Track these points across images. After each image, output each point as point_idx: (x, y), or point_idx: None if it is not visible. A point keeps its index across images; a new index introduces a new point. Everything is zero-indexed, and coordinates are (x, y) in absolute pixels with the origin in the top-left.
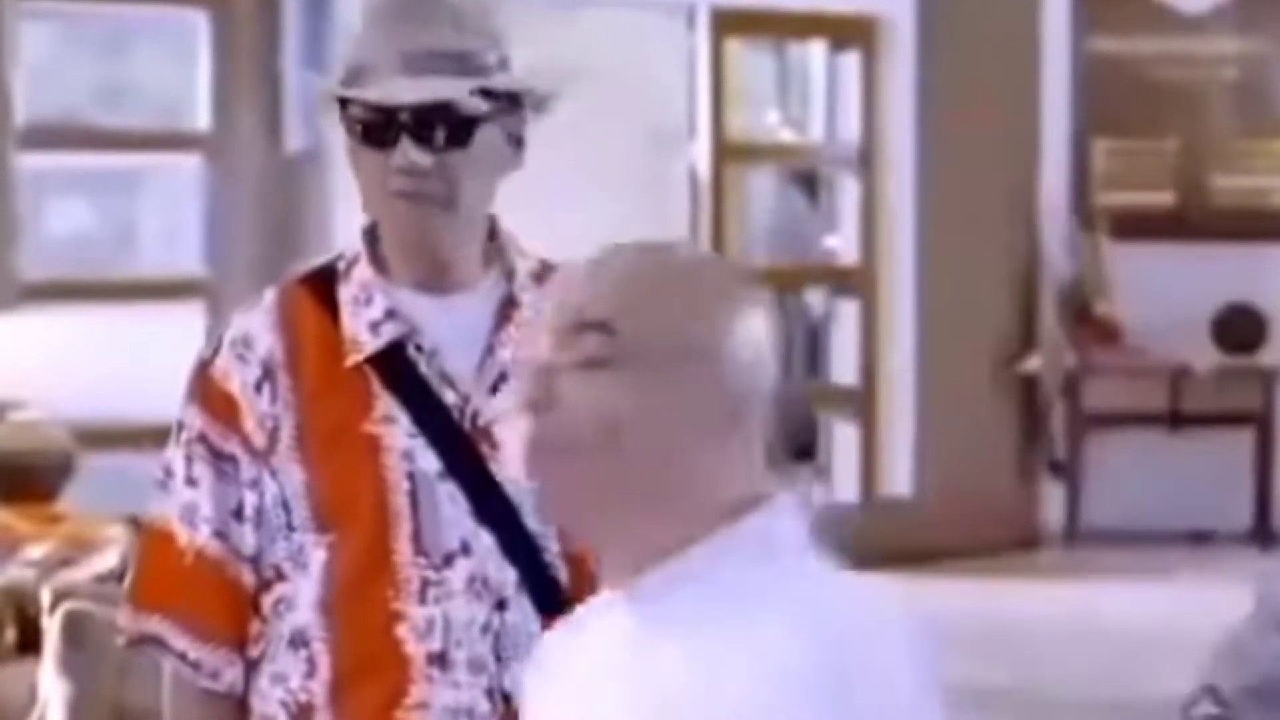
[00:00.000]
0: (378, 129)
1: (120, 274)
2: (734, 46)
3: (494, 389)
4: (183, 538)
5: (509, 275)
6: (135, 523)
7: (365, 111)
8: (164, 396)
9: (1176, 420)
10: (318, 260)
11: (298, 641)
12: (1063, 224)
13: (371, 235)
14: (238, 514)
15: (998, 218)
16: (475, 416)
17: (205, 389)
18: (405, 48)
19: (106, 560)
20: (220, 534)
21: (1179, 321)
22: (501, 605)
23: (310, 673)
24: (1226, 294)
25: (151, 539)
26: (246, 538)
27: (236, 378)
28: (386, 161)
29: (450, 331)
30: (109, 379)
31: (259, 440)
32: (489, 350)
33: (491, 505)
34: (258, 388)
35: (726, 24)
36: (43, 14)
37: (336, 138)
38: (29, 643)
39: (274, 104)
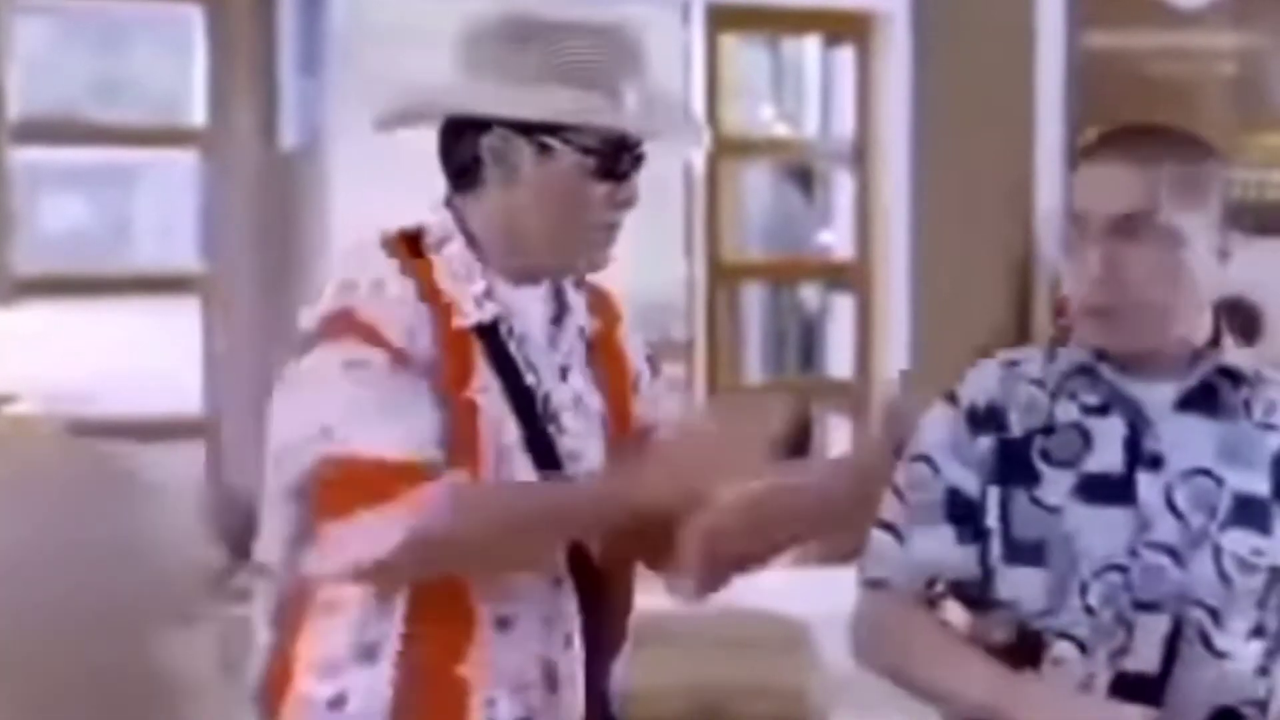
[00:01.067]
0: (609, 160)
1: (115, 269)
2: (728, 42)
3: (562, 375)
4: (397, 456)
5: None
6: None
7: (602, 143)
8: (160, 391)
9: None
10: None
11: None
12: (1058, 219)
13: (459, 218)
14: (436, 438)
15: (993, 213)
16: (547, 399)
17: (364, 331)
18: (630, 78)
19: None
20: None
21: None
22: (557, 580)
23: (385, 614)
24: (1221, 288)
25: (358, 470)
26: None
27: (394, 323)
28: (609, 193)
29: (526, 318)
30: (104, 374)
31: (422, 376)
32: (552, 341)
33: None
34: (410, 327)
35: (721, 19)
36: (37, 9)
37: (336, 135)
38: None
39: (270, 100)
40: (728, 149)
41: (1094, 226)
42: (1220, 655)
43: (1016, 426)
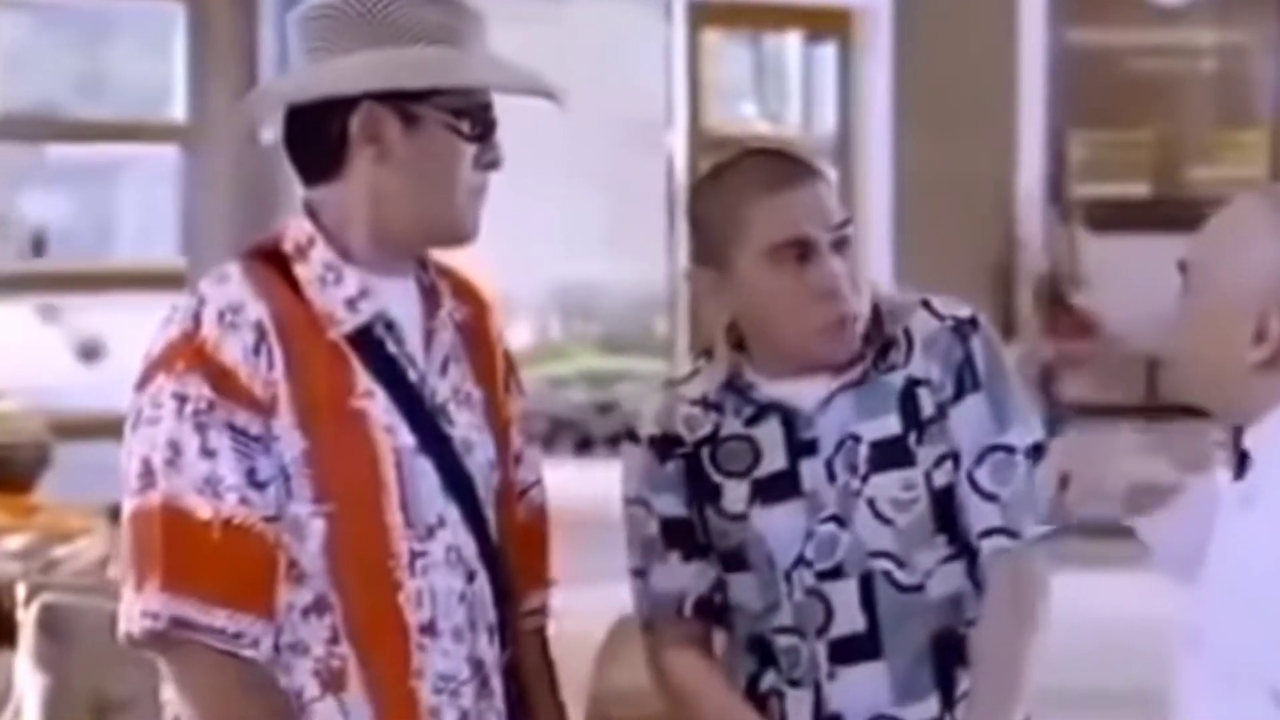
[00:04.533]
0: (474, 122)
1: (97, 264)
2: (710, 38)
3: (443, 369)
4: (205, 511)
5: (421, 263)
6: (116, 513)
7: (466, 104)
8: None
9: (1153, 412)
10: (258, 240)
11: (320, 608)
12: (1039, 215)
13: (314, 216)
14: (257, 480)
15: (975, 209)
16: (434, 394)
17: (201, 360)
18: (477, 39)
19: (84, 551)
20: (245, 500)
21: (1156, 313)
22: (471, 576)
23: (334, 639)
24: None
25: (166, 519)
26: (269, 503)
27: (232, 346)
28: (476, 155)
29: (401, 311)
30: (86, 369)
31: (264, 406)
32: (430, 333)
33: (455, 479)
34: (255, 352)
35: (703, 16)
36: (19, 5)
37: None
38: (4, 635)
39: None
40: (709, 145)
41: (823, 245)
42: (916, 590)
43: (688, 442)
